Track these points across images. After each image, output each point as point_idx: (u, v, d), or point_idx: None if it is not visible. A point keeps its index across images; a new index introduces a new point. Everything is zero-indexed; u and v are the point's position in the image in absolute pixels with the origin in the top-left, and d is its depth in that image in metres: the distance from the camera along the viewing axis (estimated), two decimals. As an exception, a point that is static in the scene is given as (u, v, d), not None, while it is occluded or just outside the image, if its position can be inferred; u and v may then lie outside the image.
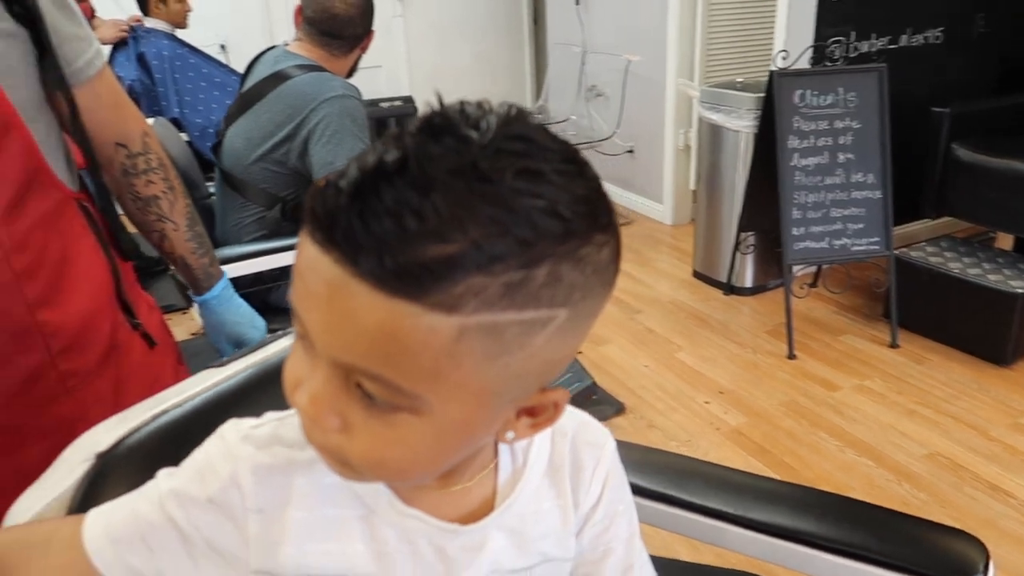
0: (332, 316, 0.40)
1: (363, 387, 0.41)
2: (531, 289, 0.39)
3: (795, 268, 2.80)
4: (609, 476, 0.60)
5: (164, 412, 0.64)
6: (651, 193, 4.11)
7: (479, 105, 0.42)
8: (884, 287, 2.80)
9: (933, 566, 0.72)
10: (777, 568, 0.86)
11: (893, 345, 2.70)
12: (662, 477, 0.89)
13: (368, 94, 4.83)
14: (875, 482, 2.04)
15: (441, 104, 0.42)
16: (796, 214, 2.71)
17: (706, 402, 2.43)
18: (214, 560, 0.51)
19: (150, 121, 1.85)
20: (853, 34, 3.09)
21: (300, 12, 1.88)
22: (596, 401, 2.40)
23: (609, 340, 2.85)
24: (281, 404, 0.57)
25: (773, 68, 2.70)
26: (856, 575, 0.76)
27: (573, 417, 0.61)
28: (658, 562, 0.66)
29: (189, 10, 3.20)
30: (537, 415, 0.48)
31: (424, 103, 0.43)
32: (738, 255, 3.07)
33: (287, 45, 1.94)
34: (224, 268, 1.78)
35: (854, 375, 2.55)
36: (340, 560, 0.52)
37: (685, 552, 1.72)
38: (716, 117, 3.06)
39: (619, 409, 2.39)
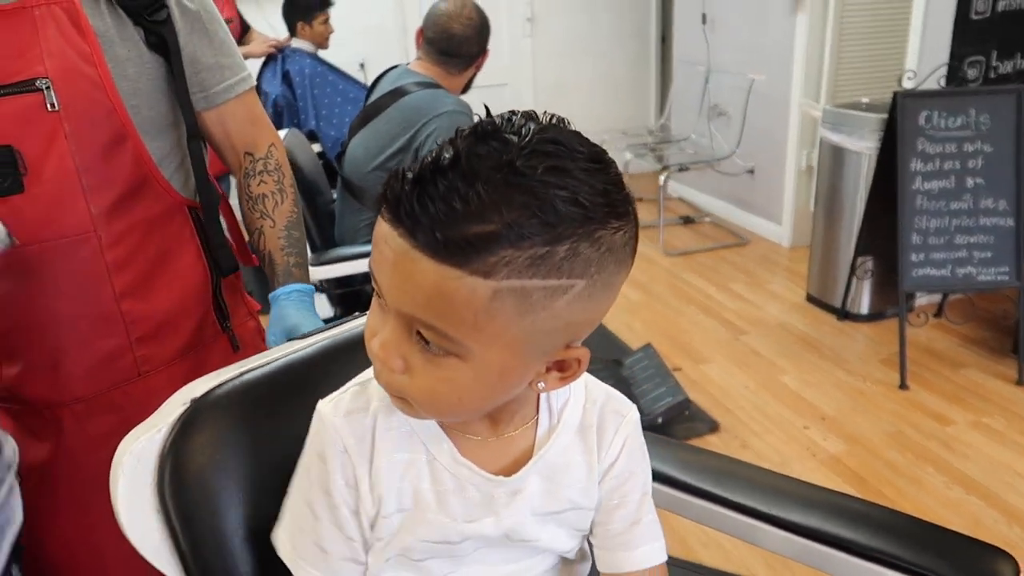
0: (398, 277, 0.51)
1: (422, 335, 0.52)
2: (553, 262, 0.49)
3: (916, 296, 2.68)
4: (628, 440, 0.69)
5: (249, 371, 0.76)
6: (770, 214, 4.03)
7: (525, 115, 0.52)
8: (1013, 320, 2.64)
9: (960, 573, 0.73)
10: (806, 570, 0.88)
11: (1020, 382, 2.53)
12: (704, 475, 0.94)
13: (492, 110, 5.05)
14: (982, 522, 1.94)
15: (489, 114, 0.53)
16: (916, 239, 2.60)
17: (805, 427, 2.38)
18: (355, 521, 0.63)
19: (283, 132, 2.06)
20: (994, 54, 2.93)
21: (421, 33, 2.04)
22: (688, 417, 2.40)
23: (711, 359, 2.83)
24: (350, 371, 0.68)
25: (898, 88, 2.62)
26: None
27: (603, 390, 0.70)
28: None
29: (331, 32, 3.47)
30: (565, 370, 0.57)
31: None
32: (854, 280, 2.97)
33: (409, 64, 2.10)
34: (338, 266, 1.94)
35: (971, 410, 2.41)
36: (410, 496, 0.63)
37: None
38: (837, 138, 2.98)
39: (712, 427, 2.38)
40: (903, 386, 2.55)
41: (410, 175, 0.50)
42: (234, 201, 1.18)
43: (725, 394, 2.59)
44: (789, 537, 0.86)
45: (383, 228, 0.51)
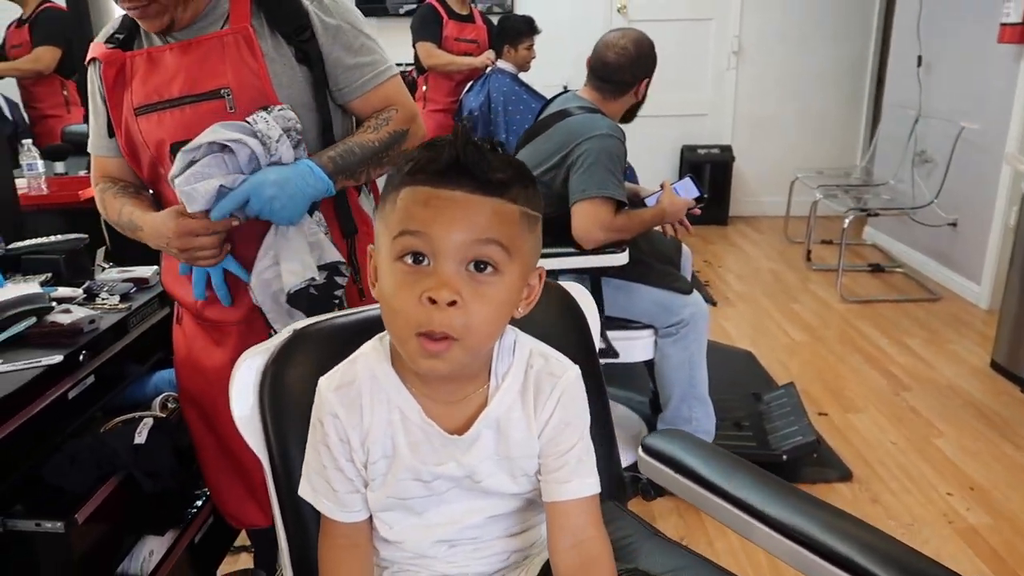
0: (459, 219, 0.70)
1: (478, 260, 0.71)
2: (535, 198, 0.75)
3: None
4: (563, 397, 0.82)
5: (340, 316, 0.98)
6: (969, 271, 3.74)
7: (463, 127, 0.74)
8: None
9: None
10: None
11: None
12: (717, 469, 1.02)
13: (689, 139, 5.10)
14: None
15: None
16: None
17: (948, 493, 2.24)
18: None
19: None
20: None
21: (589, 61, 2.22)
22: (819, 461, 2.35)
23: (861, 409, 2.73)
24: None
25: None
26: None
27: (541, 356, 0.84)
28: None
29: (533, 57, 3.77)
30: (530, 296, 0.77)
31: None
32: (1044, 350, 2.72)
33: (578, 89, 2.29)
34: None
35: None
36: (390, 446, 0.81)
37: None
38: (1041, 195, 2.75)
39: (844, 475, 2.32)
40: (1077, 471, 2.31)
41: (447, 155, 0.70)
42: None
43: (867, 445, 2.50)
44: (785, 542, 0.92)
45: (425, 192, 0.71)
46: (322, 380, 0.83)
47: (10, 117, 3.12)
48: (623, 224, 2.09)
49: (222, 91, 1.22)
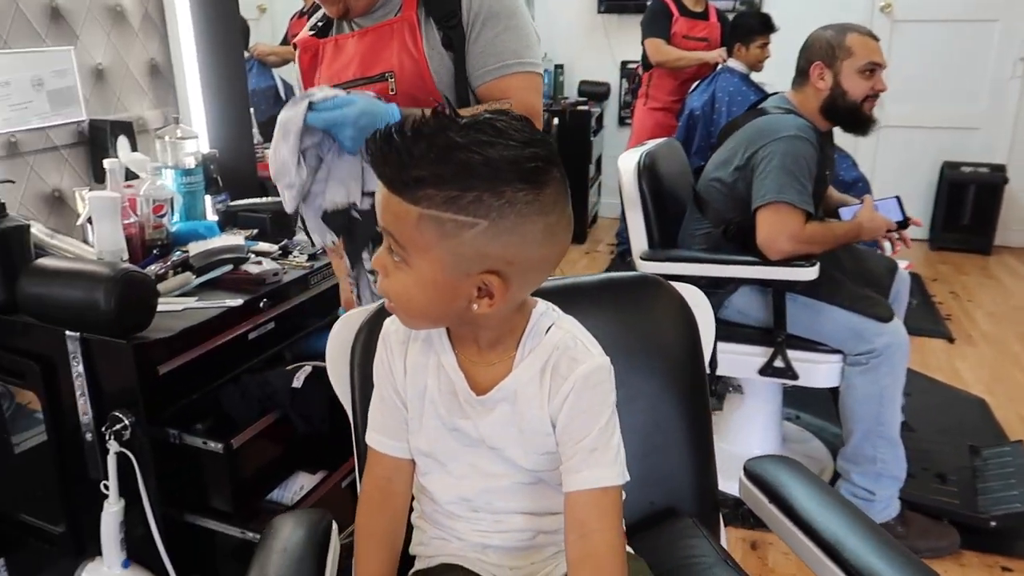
0: (379, 205, 0.73)
1: (391, 247, 0.73)
2: (462, 203, 0.69)
3: None
4: (578, 383, 0.79)
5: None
6: None
7: (498, 110, 0.74)
8: None
9: None
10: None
11: None
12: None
13: (953, 155, 4.54)
14: None
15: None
16: None
17: None
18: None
19: (659, 142, 2.29)
20: None
21: (802, 60, 2.07)
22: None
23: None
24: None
25: None
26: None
27: (571, 340, 0.82)
28: None
29: (767, 56, 3.55)
30: (492, 297, 0.73)
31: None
32: None
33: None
34: (668, 265, 2.10)
35: None
36: (423, 386, 0.85)
37: None
38: None
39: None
40: None
41: (382, 137, 0.71)
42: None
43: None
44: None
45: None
46: (387, 321, 0.90)
47: (284, 98, 3.59)
48: (813, 235, 1.92)
49: (387, 74, 1.31)
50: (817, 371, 2.06)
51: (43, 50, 1.75)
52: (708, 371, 1.09)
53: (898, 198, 2.10)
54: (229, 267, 1.64)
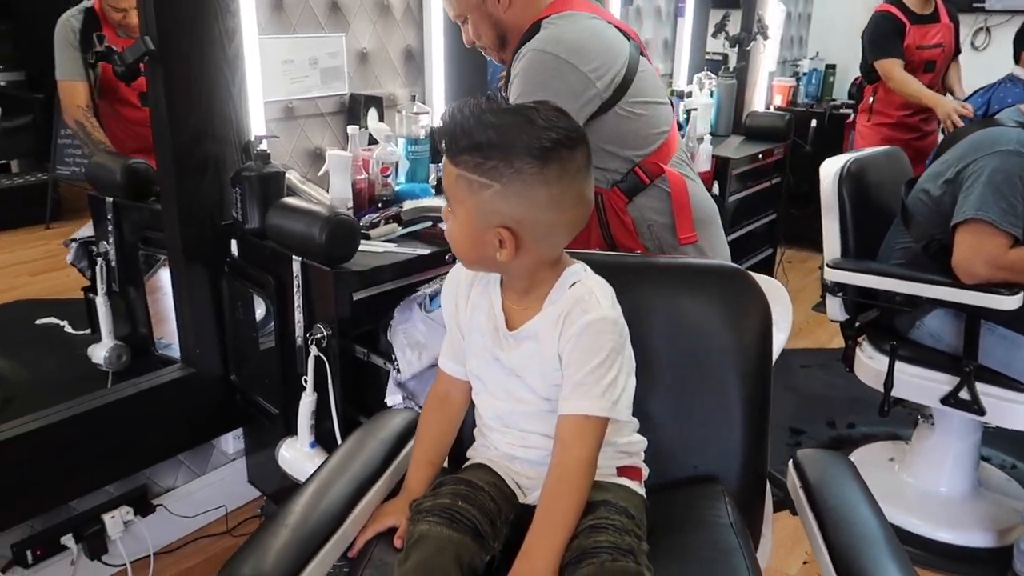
0: (443, 165, 0.94)
1: (448, 200, 0.94)
2: (483, 168, 0.89)
3: None
4: (580, 329, 0.93)
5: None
6: None
7: (540, 101, 0.91)
8: None
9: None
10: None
11: None
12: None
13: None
14: None
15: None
16: None
17: None
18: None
19: (885, 148, 2.19)
20: None
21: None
22: None
23: None
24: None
25: None
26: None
27: (590, 294, 0.96)
28: None
29: (1059, 66, 3.10)
30: (504, 247, 0.91)
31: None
32: None
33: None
34: (854, 275, 2.03)
35: None
36: (477, 319, 1.04)
37: None
38: None
39: None
40: None
41: (450, 115, 0.90)
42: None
43: None
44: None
45: None
46: (455, 266, 1.10)
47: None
48: (1016, 263, 1.75)
49: None
50: (1013, 412, 1.89)
51: (321, 36, 2.17)
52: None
53: None
54: (429, 224, 1.94)
